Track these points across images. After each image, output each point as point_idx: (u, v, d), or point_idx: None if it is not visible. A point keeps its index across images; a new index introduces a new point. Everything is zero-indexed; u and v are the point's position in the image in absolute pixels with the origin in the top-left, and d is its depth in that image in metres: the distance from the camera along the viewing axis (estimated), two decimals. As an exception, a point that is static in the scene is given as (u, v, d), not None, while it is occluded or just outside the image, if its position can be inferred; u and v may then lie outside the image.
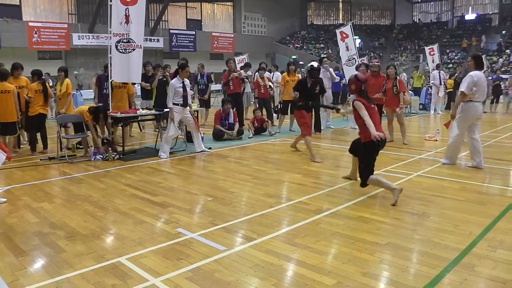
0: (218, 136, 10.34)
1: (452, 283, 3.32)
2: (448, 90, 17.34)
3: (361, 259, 3.76)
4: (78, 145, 9.23)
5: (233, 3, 39.99)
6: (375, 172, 5.64)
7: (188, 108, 8.55)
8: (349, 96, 13.35)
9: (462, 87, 6.89)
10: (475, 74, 6.88)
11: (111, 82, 9.27)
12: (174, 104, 8.29)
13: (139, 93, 13.15)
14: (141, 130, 12.54)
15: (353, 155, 6.23)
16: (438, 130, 10.41)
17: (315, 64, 8.63)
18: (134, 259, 3.81)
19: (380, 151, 5.64)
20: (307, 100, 8.18)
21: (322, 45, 41.44)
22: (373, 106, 5.64)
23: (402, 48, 40.68)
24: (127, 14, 8.74)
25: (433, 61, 19.15)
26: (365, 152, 5.58)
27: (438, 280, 3.36)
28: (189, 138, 9.31)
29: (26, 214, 5.12)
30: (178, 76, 8.43)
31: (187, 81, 8.55)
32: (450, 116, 7.32)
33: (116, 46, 8.80)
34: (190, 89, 9.18)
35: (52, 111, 12.72)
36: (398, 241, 4.14)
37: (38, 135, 9.21)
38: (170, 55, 31.83)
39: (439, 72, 16.37)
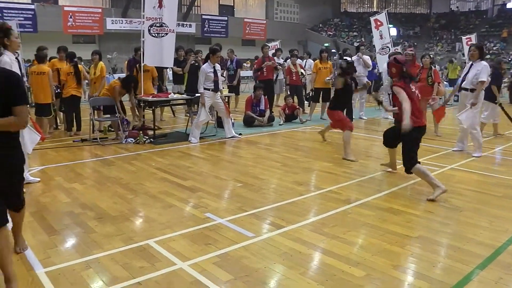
0: (248, 122, 10.32)
1: (485, 281, 3.22)
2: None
3: (391, 251, 3.69)
4: (109, 128, 9.35)
5: (266, -11, 39.66)
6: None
7: (219, 93, 8.54)
8: (382, 85, 13.11)
9: (483, 77, 6.98)
10: (486, 63, 7.13)
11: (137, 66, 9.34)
12: (205, 89, 8.29)
13: (171, 77, 13.23)
14: (174, 115, 12.59)
15: (389, 147, 6.05)
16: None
17: (349, 58, 8.30)
18: (162, 242, 3.83)
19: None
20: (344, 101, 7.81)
21: (355, 33, 40.76)
22: (414, 91, 5.33)
23: (437, 38, 39.65)
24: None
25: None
26: (408, 138, 5.23)
27: (470, 277, 3.26)
28: (219, 123, 9.31)
29: (58, 194, 5.22)
30: (209, 61, 8.41)
31: (218, 66, 8.53)
32: (471, 105, 7.10)
33: (149, 30, 8.83)
34: (221, 75, 9.17)
35: (85, 94, 12.94)
36: (429, 235, 4.04)
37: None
38: (202, 40, 31.82)
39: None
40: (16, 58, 5.36)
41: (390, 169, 6.26)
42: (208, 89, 8.30)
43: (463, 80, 7.35)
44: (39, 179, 5.80)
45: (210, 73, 8.28)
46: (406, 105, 5.08)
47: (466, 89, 7.32)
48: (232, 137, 8.85)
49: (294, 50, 13.56)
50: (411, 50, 10.43)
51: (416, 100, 5.29)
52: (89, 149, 7.86)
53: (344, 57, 8.26)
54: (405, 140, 5.27)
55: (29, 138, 5.22)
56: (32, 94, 9.12)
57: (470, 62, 7.36)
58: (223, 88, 9.41)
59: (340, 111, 7.68)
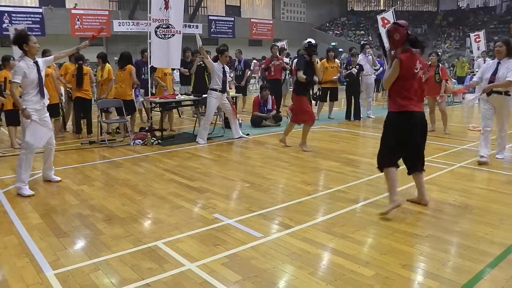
0: (256, 122, 10.32)
1: (496, 279, 3.19)
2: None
3: (401, 250, 3.67)
4: (117, 130, 9.38)
5: (272, -11, 39.64)
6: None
7: (225, 94, 8.54)
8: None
9: (511, 76, 6.12)
10: None
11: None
12: (212, 89, 8.29)
13: (177, 79, 13.24)
14: (180, 116, 12.62)
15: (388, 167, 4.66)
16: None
17: (312, 40, 7.81)
18: (171, 243, 3.84)
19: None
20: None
21: (362, 32, 40.62)
22: (417, 71, 4.41)
23: (445, 35, 39.39)
24: (166, 0, 8.78)
25: (478, 49, 18.49)
26: (385, 128, 4.63)
27: (481, 276, 3.23)
28: (227, 124, 9.32)
29: (67, 196, 5.25)
30: (218, 61, 8.41)
31: (227, 68, 8.54)
32: (484, 90, 6.52)
33: (156, 32, 8.87)
34: (229, 76, 9.19)
35: (94, 96, 13.00)
36: (439, 234, 4.01)
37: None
38: (209, 41, 31.87)
39: (484, 60, 15.77)
40: (35, 62, 5.38)
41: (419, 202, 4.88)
42: (216, 90, 8.30)
43: (490, 81, 6.42)
44: (59, 178, 5.96)
45: (219, 72, 8.28)
46: (389, 76, 4.43)
47: (500, 93, 6.47)
48: (239, 137, 8.85)
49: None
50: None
51: (417, 82, 4.46)
52: (98, 151, 7.90)
53: (309, 40, 7.78)
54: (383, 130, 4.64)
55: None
56: None
57: (495, 60, 6.52)
58: (230, 88, 9.42)
59: (306, 100, 7.64)
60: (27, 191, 5.31)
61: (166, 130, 9.53)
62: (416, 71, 4.39)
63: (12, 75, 5.34)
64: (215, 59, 8.56)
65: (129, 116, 9.04)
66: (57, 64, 9.47)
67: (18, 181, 5.37)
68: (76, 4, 27.51)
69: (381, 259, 3.50)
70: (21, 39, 5.26)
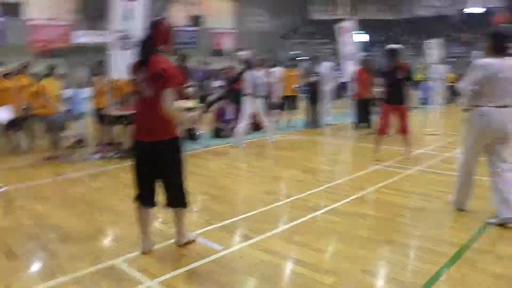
0: (216, 132, 10.26)
1: (452, 278, 3.27)
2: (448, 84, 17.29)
3: (360, 256, 3.70)
4: (76, 144, 9.16)
5: (234, -1, 39.81)
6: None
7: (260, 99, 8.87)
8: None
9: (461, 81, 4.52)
10: (485, 62, 4.27)
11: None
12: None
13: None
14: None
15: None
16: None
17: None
18: (130, 260, 3.75)
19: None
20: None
21: (325, 40, 41.18)
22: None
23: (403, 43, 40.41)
24: (127, 10, 8.64)
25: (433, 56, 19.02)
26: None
27: (438, 277, 3.30)
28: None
29: (20, 216, 5.04)
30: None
31: (258, 74, 8.99)
32: None
33: (117, 43, 8.70)
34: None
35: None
36: (398, 238, 4.08)
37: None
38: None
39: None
40: None
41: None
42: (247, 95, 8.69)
43: None
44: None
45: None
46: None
47: None
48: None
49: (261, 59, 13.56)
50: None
51: None
52: (54, 167, 7.65)
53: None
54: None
55: None
56: None
57: None
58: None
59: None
60: None
61: (122, 144, 9.35)
62: None
63: None
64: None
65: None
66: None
67: None
68: None
69: (341, 265, 3.53)
70: None
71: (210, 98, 6.37)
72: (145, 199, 3.86)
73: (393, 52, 7.17)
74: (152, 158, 3.68)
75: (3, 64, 9.21)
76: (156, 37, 3.62)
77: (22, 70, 9.10)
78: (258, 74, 8.94)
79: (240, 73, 5.44)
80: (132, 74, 3.69)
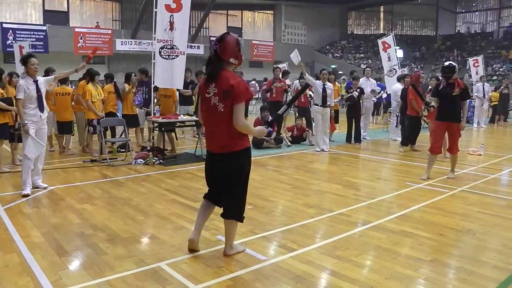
0: (257, 144, 10.31)
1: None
2: (493, 103, 16.88)
3: (404, 275, 3.65)
4: (119, 149, 9.40)
5: (273, 11, 40.08)
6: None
7: (327, 108, 9.92)
8: (390, 107, 13.15)
9: None
10: None
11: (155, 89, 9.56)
12: (315, 104, 9.83)
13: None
14: (176, 138, 12.49)
15: None
16: (482, 144, 10.09)
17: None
18: (174, 264, 3.82)
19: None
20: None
21: (362, 55, 40.98)
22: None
23: (444, 59, 39.75)
24: (171, 21, 8.88)
25: (476, 73, 18.67)
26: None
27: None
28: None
29: (69, 215, 5.24)
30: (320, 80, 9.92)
31: (328, 85, 10.00)
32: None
33: (160, 52, 8.95)
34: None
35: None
36: (442, 258, 4.01)
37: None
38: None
39: (483, 85, 15.94)
40: (35, 81, 6.16)
41: None
42: (317, 105, 9.97)
43: None
44: (46, 185, 6.49)
45: (320, 89, 9.99)
46: None
47: None
48: (321, 150, 9.97)
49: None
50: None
51: None
52: (99, 170, 7.90)
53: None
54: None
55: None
56: (55, 113, 9.44)
57: None
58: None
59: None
60: (25, 190, 6.06)
61: (167, 150, 9.52)
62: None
63: (16, 92, 6.15)
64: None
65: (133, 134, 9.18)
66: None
67: (23, 184, 6.14)
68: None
69: (384, 283, 3.49)
70: (22, 61, 6.15)
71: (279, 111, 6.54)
72: (210, 196, 4.06)
73: (450, 69, 7.09)
74: (221, 168, 3.87)
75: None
76: (224, 51, 3.72)
77: (85, 76, 9.43)
78: (329, 85, 10.06)
79: (304, 88, 5.58)
80: (203, 88, 3.82)
